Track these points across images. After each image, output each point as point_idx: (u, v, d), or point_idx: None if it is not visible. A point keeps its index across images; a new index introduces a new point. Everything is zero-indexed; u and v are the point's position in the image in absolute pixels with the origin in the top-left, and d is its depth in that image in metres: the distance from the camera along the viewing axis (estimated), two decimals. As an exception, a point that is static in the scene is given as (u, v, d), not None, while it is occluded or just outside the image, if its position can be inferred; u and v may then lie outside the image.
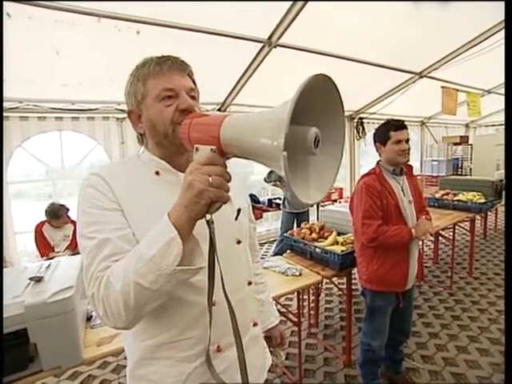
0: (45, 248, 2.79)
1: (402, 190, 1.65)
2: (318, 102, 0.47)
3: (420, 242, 1.73)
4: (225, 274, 0.56)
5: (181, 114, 0.64)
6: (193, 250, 0.55)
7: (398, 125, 1.62)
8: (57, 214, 2.76)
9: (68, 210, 2.85)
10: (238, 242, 0.75)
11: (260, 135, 0.46)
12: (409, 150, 1.62)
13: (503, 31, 3.06)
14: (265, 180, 3.75)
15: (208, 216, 0.52)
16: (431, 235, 1.63)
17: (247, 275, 0.78)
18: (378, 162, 1.71)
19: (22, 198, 3.50)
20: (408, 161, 1.64)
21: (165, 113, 0.64)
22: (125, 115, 3.32)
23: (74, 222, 2.95)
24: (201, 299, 0.63)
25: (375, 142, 1.70)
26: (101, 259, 0.56)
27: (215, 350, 0.67)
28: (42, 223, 2.84)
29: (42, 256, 2.75)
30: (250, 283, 0.78)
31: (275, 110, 0.47)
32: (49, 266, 1.32)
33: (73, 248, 2.86)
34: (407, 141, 1.61)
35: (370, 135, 5.50)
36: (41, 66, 2.42)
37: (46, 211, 2.75)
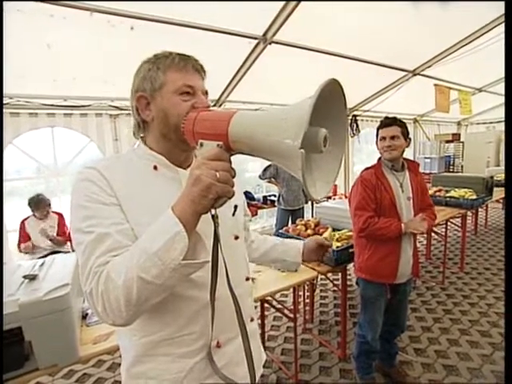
0: (24, 239, 2.81)
1: (401, 186, 1.67)
2: (325, 103, 0.48)
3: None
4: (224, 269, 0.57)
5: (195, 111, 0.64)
6: (195, 245, 0.55)
7: (384, 122, 1.68)
8: (38, 204, 2.82)
9: (50, 204, 2.92)
10: (236, 238, 0.76)
11: (276, 134, 0.47)
12: (400, 146, 1.63)
13: (495, 30, 3.11)
14: (260, 177, 3.75)
15: (213, 211, 0.53)
16: (422, 233, 1.65)
17: (245, 271, 0.79)
18: (379, 158, 1.74)
19: (13, 195, 3.43)
20: (395, 157, 1.65)
21: (180, 106, 0.64)
22: (118, 112, 3.28)
23: (57, 213, 2.99)
24: (201, 295, 0.64)
25: None
26: (99, 254, 0.54)
27: (215, 346, 0.67)
28: (26, 218, 2.90)
29: (18, 246, 2.82)
30: (247, 279, 0.79)
31: (289, 110, 0.48)
32: (43, 263, 1.30)
33: (64, 236, 2.88)
34: (393, 137, 1.63)
35: (363, 133, 5.53)
36: (32, 61, 2.37)
37: (29, 201, 2.82)
